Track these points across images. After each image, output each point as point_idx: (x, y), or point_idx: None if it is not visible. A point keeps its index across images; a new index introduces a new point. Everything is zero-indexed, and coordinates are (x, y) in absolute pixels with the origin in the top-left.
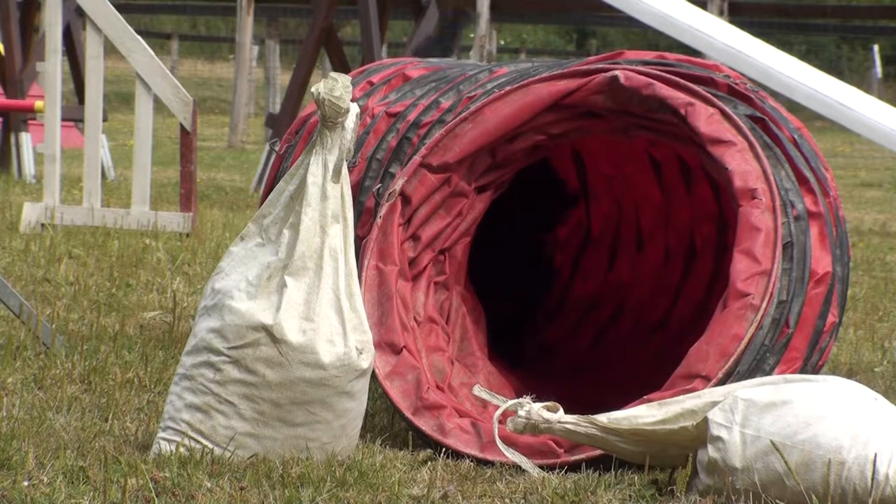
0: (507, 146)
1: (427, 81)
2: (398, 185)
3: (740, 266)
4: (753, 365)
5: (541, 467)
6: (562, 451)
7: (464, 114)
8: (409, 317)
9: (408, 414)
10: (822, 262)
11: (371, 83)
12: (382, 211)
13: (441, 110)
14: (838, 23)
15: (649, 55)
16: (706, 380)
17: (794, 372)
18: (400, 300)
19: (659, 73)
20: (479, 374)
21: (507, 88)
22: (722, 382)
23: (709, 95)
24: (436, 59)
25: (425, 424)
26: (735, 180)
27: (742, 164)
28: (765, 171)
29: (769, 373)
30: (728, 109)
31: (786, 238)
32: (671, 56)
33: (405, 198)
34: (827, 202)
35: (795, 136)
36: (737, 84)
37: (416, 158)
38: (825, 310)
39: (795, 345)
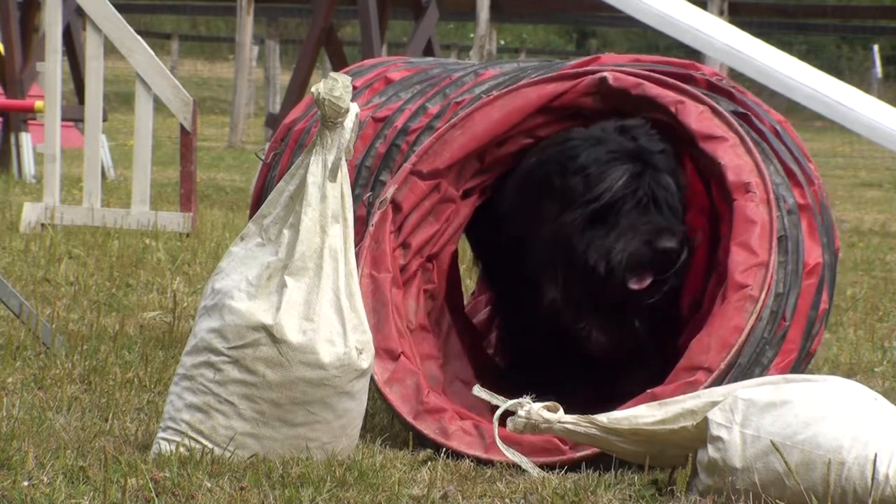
0: (496, 150)
1: (411, 84)
2: (389, 192)
3: (738, 258)
4: (753, 358)
5: (545, 465)
6: (566, 447)
7: (453, 120)
8: (404, 323)
9: (409, 418)
10: (812, 253)
11: (353, 87)
12: (374, 219)
13: (429, 116)
14: (838, 23)
15: (625, 59)
16: (708, 371)
17: (789, 363)
18: (394, 307)
19: (647, 72)
20: (472, 380)
21: (496, 93)
22: (724, 374)
23: (697, 93)
24: (417, 59)
25: (427, 428)
26: (728, 175)
27: (735, 158)
28: (757, 165)
29: (767, 366)
30: (717, 106)
31: (780, 231)
32: (646, 58)
33: (396, 205)
34: (812, 191)
35: (778, 129)
36: (715, 80)
37: (407, 166)
38: (817, 300)
39: (792, 337)
